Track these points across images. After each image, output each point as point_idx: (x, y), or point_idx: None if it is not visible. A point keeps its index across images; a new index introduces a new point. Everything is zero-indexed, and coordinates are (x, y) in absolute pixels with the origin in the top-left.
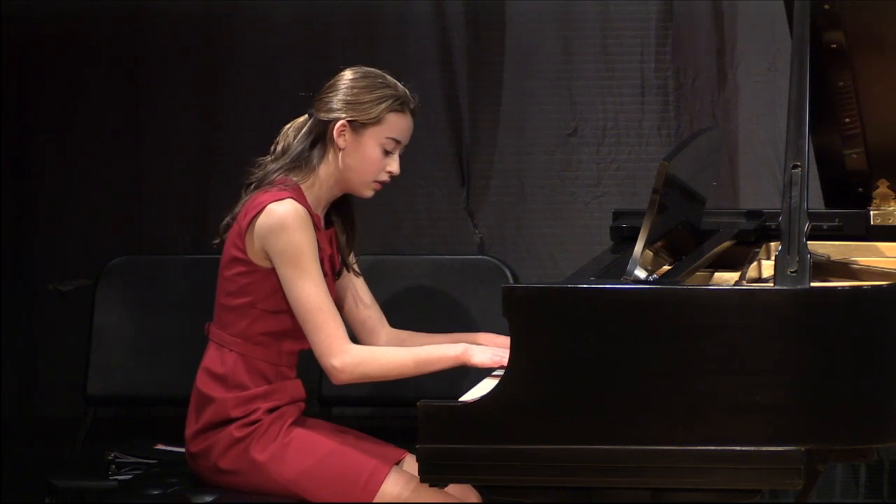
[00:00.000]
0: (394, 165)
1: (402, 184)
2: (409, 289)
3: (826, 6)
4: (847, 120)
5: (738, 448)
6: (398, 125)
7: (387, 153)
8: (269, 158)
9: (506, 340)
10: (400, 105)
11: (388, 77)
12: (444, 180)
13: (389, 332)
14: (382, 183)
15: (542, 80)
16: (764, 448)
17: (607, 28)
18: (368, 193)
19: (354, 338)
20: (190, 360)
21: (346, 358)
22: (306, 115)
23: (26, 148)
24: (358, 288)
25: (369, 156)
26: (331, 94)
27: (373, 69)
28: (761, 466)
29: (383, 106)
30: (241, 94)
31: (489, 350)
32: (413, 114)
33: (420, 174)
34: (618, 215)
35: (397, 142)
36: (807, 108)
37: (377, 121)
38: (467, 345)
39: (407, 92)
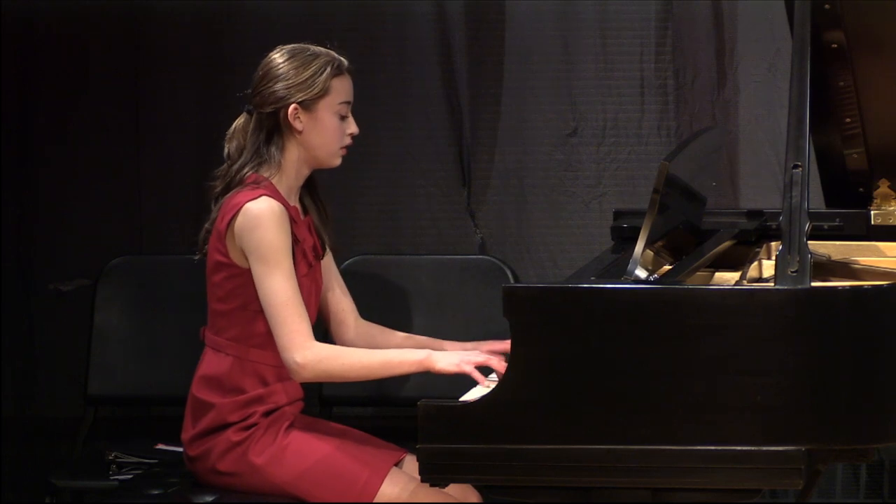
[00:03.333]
0: (352, 127)
1: (403, 184)
2: (409, 289)
3: (826, 6)
4: (847, 120)
5: (739, 448)
6: (343, 88)
7: (342, 118)
8: (225, 166)
9: (473, 345)
10: (338, 69)
11: (314, 46)
12: (445, 180)
13: (360, 325)
14: (348, 147)
15: (542, 80)
16: (764, 448)
17: (607, 28)
18: (337, 162)
19: (325, 327)
20: (190, 360)
21: (308, 354)
22: (245, 115)
23: (26, 148)
24: (333, 277)
25: (329, 127)
26: (269, 85)
27: (296, 45)
28: (761, 466)
29: (324, 76)
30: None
31: (455, 355)
32: (349, 72)
33: (420, 174)
34: (618, 215)
35: (348, 103)
36: (807, 108)
37: (324, 92)
38: (430, 351)
39: (335, 54)
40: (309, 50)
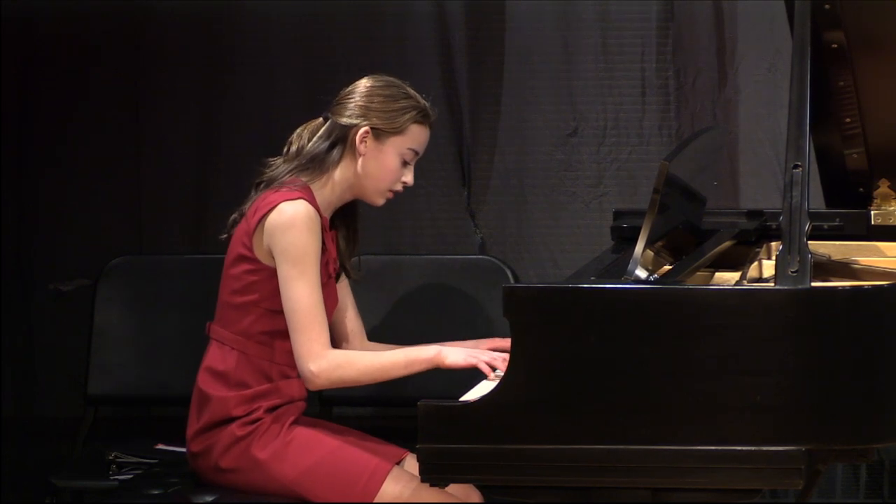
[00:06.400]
0: (409, 176)
1: None
2: (409, 289)
3: (826, 6)
4: (847, 120)
5: (739, 448)
6: (419, 137)
7: (404, 163)
8: (280, 159)
9: (474, 343)
10: (423, 117)
11: (410, 88)
12: (445, 180)
13: (366, 346)
14: (395, 192)
15: (542, 80)
16: (764, 448)
17: (607, 28)
18: (380, 202)
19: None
20: (190, 360)
21: (324, 363)
22: (321, 119)
23: (26, 148)
24: (348, 300)
25: (388, 164)
26: (353, 100)
27: (394, 79)
28: (761, 466)
29: (408, 116)
30: (241, 94)
31: (462, 351)
32: (431, 126)
33: (420, 174)
34: (618, 215)
35: (416, 153)
36: (807, 108)
37: (400, 130)
38: (441, 346)
39: (427, 104)
40: (405, 89)
